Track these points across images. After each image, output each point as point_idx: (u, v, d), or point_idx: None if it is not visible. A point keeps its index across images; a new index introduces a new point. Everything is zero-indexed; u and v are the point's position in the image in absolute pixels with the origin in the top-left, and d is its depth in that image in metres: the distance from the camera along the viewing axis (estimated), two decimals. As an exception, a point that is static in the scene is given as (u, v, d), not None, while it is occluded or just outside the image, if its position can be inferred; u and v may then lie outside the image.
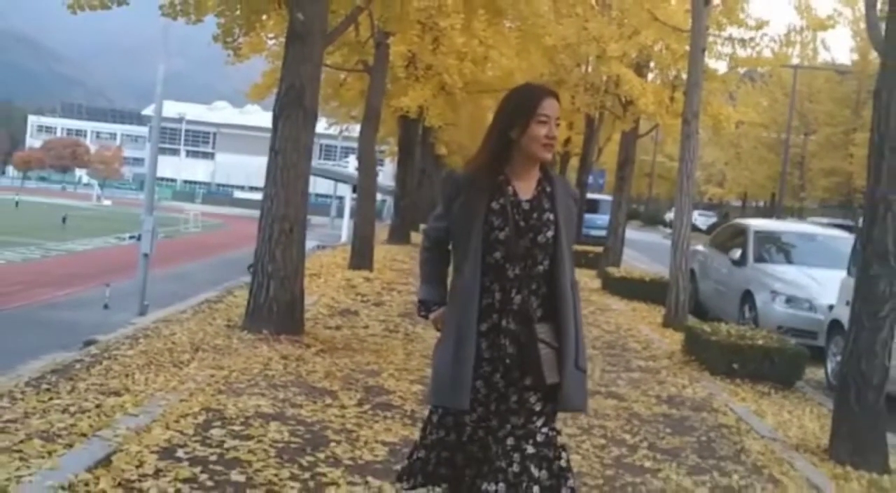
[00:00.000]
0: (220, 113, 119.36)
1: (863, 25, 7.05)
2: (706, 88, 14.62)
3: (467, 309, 3.28)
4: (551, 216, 3.32)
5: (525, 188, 3.35)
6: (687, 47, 13.01)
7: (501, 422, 3.33)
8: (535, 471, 3.27)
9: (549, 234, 3.30)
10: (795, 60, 32.01)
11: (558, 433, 3.40)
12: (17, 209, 54.98)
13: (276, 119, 8.76)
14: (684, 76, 14.32)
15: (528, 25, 14.90)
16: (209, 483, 4.34)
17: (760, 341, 9.03)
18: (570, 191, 3.46)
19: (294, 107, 8.66)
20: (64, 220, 43.23)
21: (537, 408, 3.31)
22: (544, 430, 3.32)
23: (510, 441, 3.29)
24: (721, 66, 18.02)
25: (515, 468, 3.27)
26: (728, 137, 43.48)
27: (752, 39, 15.96)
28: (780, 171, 45.12)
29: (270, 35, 14.77)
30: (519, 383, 3.32)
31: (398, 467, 3.96)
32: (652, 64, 20.71)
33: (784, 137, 44.47)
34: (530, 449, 3.27)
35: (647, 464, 5.56)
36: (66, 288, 22.56)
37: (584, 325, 3.62)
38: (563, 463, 3.36)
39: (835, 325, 9.70)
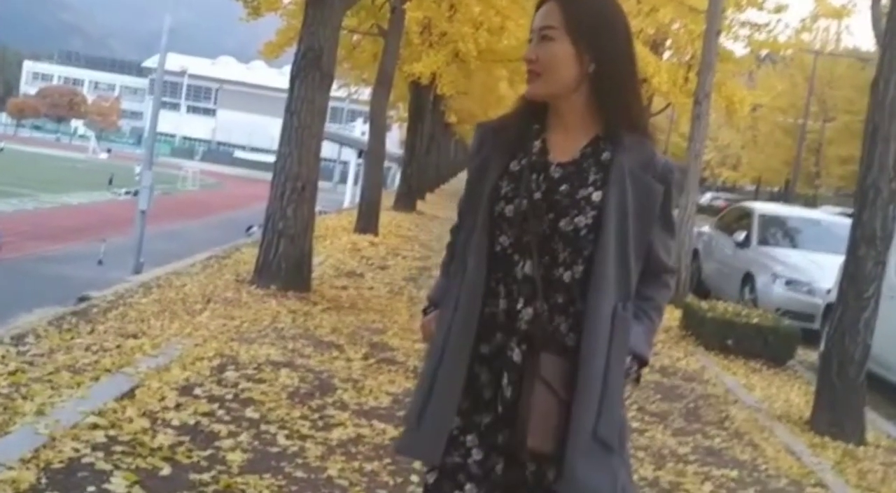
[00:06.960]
0: (225, 68, 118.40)
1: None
2: (721, 69, 14.97)
3: (465, 320, 2.21)
4: (594, 195, 2.16)
5: (565, 147, 2.23)
6: (704, 27, 13.33)
7: None
8: None
9: (583, 221, 2.14)
10: (817, 45, 32.19)
11: None
12: (1, 155, 54.59)
13: (292, 80, 9.13)
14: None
15: (547, -4, 15.25)
16: (226, 418, 4.78)
17: (755, 320, 9.40)
18: (651, 164, 2.21)
19: (311, 69, 9.02)
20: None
21: None
22: None
23: None
24: (738, 48, 18.43)
25: None
26: (745, 120, 43.71)
27: (767, 24, 16.36)
28: (795, 156, 45.37)
29: (287, -6, 15.12)
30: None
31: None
32: (668, 43, 21.16)
33: (801, 123, 44.67)
34: None
35: (635, 424, 5.96)
36: (60, 242, 22.83)
37: None
38: None
39: (830, 308, 10.03)
